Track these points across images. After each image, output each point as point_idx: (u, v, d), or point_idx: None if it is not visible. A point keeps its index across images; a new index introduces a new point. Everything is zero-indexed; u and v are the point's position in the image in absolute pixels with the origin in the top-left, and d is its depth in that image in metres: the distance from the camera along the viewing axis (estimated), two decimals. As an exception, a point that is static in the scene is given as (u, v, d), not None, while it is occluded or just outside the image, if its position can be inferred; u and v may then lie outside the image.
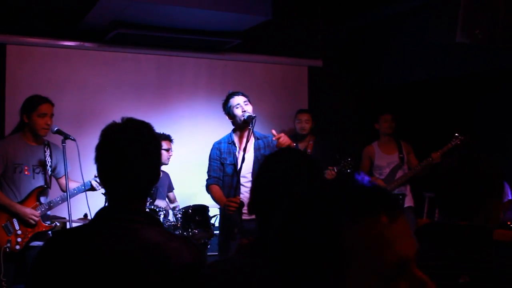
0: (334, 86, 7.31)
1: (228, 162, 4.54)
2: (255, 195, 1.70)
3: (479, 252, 1.64)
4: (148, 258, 1.59)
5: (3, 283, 4.16)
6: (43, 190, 4.51)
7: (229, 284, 1.53)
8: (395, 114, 6.10)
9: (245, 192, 4.48)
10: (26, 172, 4.39)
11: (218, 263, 1.72)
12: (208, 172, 4.62)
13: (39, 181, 4.47)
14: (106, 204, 1.82)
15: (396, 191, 5.90)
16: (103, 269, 1.60)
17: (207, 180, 4.62)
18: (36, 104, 4.43)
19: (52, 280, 1.63)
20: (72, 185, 4.57)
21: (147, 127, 1.80)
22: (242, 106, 4.49)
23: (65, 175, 4.33)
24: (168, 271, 1.57)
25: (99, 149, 1.76)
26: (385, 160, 6.05)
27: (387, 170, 6.00)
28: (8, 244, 4.23)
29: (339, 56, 7.36)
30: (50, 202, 4.49)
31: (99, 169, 1.77)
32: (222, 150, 4.58)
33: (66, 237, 1.75)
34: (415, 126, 6.43)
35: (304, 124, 6.09)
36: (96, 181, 4.57)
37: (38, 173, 4.46)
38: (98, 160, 1.76)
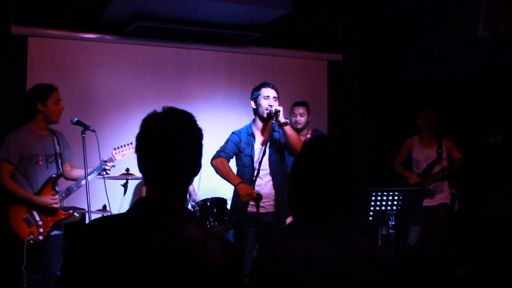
0: (354, 80, 7.28)
1: (246, 153, 4.53)
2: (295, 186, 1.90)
3: (488, 244, 1.65)
4: (182, 255, 1.57)
5: (24, 275, 4.19)
6: (57, 179, 4.52)
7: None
8: (435, 110, 6.07)
9: (262, 184, 4.48)
10: (40, 163, 4.39)
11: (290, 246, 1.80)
12: (222, 148, 4.57)
13: (52, 171, 4.47)
14: (136, 195, 1.77)
15: (432, 186, 5.86)
16: (137, 263, 1.58)
17: (217, 152, 4.56)
18: (50, 91, 4.44)
19: (88, 269, 1.61)
20: (80, 172, 4.58)
21: (190, 116, 1.74)
22: (270, 99, 4.49)
23: (85, 165, 4.33)
24: (202, 270, 1.56)
25: (141, 139, 1.71)
26: (423, 154, 6.02)
27: (424, 165, 5.96)
28: (31, 236, 4.26)
29: (359, 50, 7.32)
30: (66, 189, 4.49)
31: (140, 160, 1.71)
32: (242, 139, 4.57)
33: (102, 228, 1.70)
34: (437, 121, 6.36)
35: (299, 117, 5.79)
36: (107, 165, 4.58)
37: (51, 162, 4.46)
38: (139, 150, 1.71)
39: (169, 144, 1.66)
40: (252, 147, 4.53)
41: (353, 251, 1.78)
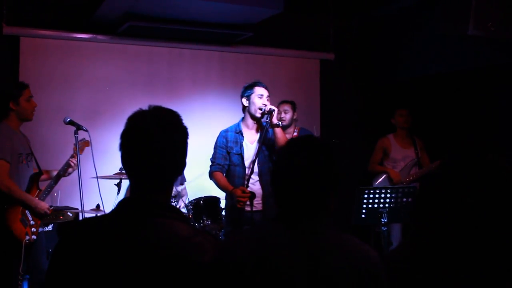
0: (346, 79, 7.30)
1: (234, 151, 4.53)
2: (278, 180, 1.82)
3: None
4: (171, 253, 1.57)
5: (20, 276, 4.14)
6: (40, 177, 4.48)
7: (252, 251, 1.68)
8: (410, 109, 6.12)
9: (256, 183, 4.49)
10: (24, 161, 4.33)
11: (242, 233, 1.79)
12: (212, 159, 4.60)
13: (31, 169, 4.42)
14: (127, 195, 1.76)
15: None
16: (125, 263, 1.58)
17: (210, 166, 4.59)
18: (21, 89, 4.34)
19: (73, 271, 1.61)
20: (54, 173, 4.58)
21: (175, 115, 1.75)
22: (264, 99, 4.50)
23: (78, 164, 4.31)
24: (191, 267, 1.56)
25: (124, 136, 1.70)
26: (400, 153, 6.08)
27: (402, 164, 6.01)
28: (27, 237, 4.22)
29: (351, 49, 7.34)
30: (47, 187, 4.46)
31: (123, 157, 1.70)
32: (229, 139, 4.57)
33: (88, 228, 1.69)
34: (428, 120, 6.40)
35: (283, 114, 5.85)
36: (72, 162, 4.49)
37: (29, 161, 4.40)
38: (123, 147, 1.70)
39: (151, 141, 1.65)
40: (241, 145, 4.54)
41: (323, 252, 1.69)
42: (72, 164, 4.49)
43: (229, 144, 4.55)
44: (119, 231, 1.63)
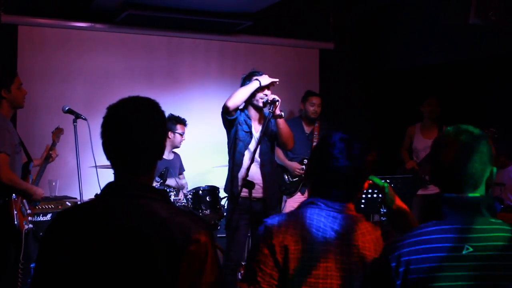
0: (346, 69, 7.27)
1: (243, 127, 4.50)
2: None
3: (483, 223, 1.66)
4: (154, 233, 1.60)
5: (20, 264, 4.13)
6: (29, 165, 4.47)
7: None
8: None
9: (257, 173, 4.47)
10: (19, 152, 4.28)
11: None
12: None
13: (22, 157, 4.37)
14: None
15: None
16: (111, 245, 1.61)
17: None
18: (12, 77, 4.28)
19: (61, 255, 1.64)
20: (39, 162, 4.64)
21: (152, 102, 1.80)
22: (264, 88, 4.48)
23: (77, 153, 4.33)
24: (174, 246, 1.58)
25: (103, 123, 1.76)
26: (422, 143, 5.90)
27: (423, 154, 5.83)
28: (26, 226, 4.22)
29: (351, 38, 7.32)
30: (37, 176, 4.53)
31: (103, 144, 1.76)
32: (238, 116, 4.53)
33: (74, 214, 1.75)
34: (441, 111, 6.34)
35: (317, 108, 5.92)
36: (53, 154, 4.62)
37: (20, 150, 4.32)
38: (103, 134, 1.76)
39: (127, 124, 1.71)
40: (250, 126, 4.51)
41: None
42: (54, 156, 4.61)
43: (240, 118, 4.50)
44: (101, 215, 1.67)
